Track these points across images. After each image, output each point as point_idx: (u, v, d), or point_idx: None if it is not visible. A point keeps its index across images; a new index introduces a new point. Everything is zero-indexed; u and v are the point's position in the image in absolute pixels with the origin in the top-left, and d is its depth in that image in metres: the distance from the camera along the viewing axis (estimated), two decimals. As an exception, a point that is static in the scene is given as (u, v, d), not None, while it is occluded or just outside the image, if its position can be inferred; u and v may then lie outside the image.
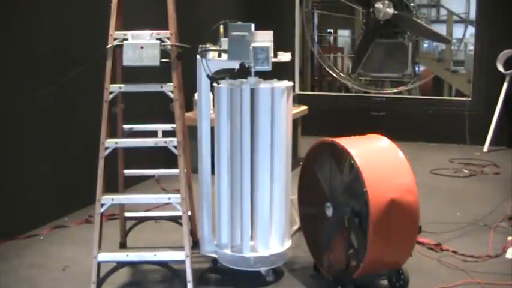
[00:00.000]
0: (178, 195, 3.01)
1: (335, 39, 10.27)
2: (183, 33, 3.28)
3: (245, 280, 3.24)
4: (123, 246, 3.68)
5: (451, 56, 8.41)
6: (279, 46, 3.25)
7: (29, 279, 3.31)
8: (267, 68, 3.06)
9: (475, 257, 3.52)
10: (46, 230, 4.08)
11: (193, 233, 3.57)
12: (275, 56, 3.21)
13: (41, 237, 3.96)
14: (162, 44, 3.06)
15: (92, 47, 3.37)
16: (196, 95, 3.80)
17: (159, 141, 3.12)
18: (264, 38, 3.12)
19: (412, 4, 7.27)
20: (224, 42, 3.14)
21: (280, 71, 3.27)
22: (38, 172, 4.17)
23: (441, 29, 8.21)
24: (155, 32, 3.08)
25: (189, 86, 3.61)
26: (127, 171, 3.66)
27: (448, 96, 8.40)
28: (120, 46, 3.06)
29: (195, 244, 3.46)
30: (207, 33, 3.15)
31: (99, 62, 3.09)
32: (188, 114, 4.37)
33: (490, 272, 3.34)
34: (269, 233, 3.23)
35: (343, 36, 10.22)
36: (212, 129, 3.30)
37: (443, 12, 9.01)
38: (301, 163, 3.42)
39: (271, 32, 3.16)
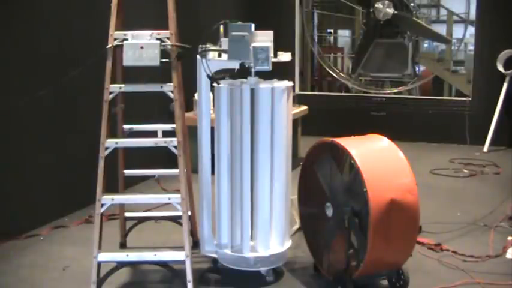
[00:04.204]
0: (178, 195, 3.00)
1: (335, 39, 10.27)
2: (183, 33, 3.28)
3: (245, 280, 3.23)
4: (123, 246, 3.68)
5: (451, 56, 8.40)
6: (279, 46, 3.24)
7: (29, 279, 3.31)
8: (267, 68, 3.06)
9: (475, 257, 3.52)
10: (46, 230, 4.08)
11: (193, 233, 3.56)
12: (275, 56, 3.21)
13: (41, 237, 3.96)
14: (162, 44, 3.05)
15: (92, 47, 3.37)
16: (196, 95, 3.80)
17: (159, 141, 3.12)
18: (264, 38, 3.12)
19: (412, 4, 7.25)
20: (224, 42, 3.14)
21: (280, 71, 3.27)
22: (38, 172, 4.17)
23: (441, 29, 8.19)
24: (155, 32, 3.07)
25: (189, 86, 3.61)
26: (127, 171, 3.66)
27: (448, 96, 8.40)
28: (120, 46, 3.06)
29: (195, 244, 3.46)
30: (207, 33, 3.15)
31: (99, 62, 3.09)
32: (188, 114, 4.37)
33: (490, 272, 3.34)
34: (269, 233, 3.23)
35: (343, 36, 10.23)
36: (212, 129, 3.30)
37: (443, 12, 9.00)
38: (301, 163, 3.42)
39: (271, 32, 3.16)
